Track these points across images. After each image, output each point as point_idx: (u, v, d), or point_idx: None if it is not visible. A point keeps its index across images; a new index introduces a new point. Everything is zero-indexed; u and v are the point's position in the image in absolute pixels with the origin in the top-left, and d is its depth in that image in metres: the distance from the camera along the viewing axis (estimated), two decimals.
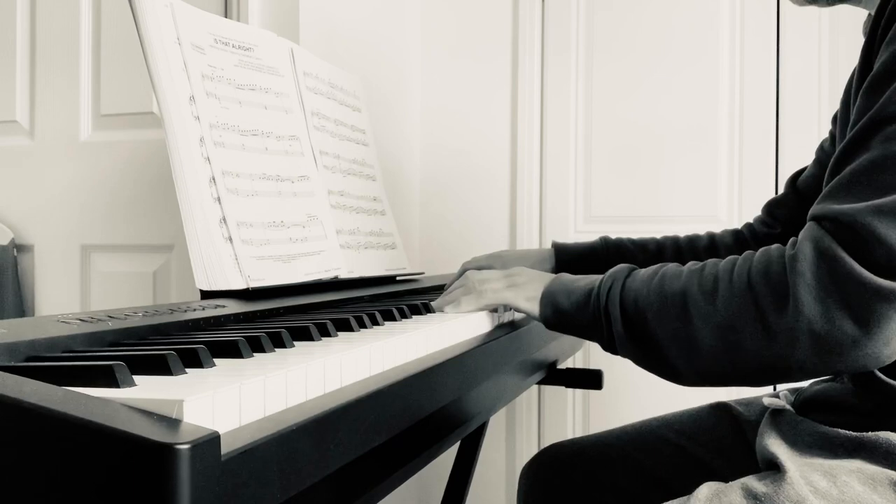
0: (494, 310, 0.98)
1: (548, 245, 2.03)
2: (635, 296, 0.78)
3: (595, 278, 0.84)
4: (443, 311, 0.97)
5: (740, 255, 0.75)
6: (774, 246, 0.72)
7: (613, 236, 1.25)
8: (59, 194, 1.75)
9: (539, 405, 2.06)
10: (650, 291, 0.77)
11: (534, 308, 0.89)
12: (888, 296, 0.64)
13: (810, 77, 1.82)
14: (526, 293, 0.91)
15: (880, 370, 0.76)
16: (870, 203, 0.66)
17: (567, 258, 1.23)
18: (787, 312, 0.67)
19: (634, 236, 1.25)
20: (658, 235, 1.25)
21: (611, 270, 0.83)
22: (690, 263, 0.78)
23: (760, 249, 0.72)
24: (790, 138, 1.83)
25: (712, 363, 0.72)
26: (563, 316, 0.86)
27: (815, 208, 0.70)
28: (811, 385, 0.89)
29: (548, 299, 0.87)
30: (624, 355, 0.81)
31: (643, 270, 0.81)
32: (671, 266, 0.79)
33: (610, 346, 0.82)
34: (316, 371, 0.55)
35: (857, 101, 0.74)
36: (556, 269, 1.23)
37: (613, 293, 0.80)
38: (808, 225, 0.70)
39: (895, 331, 0.66)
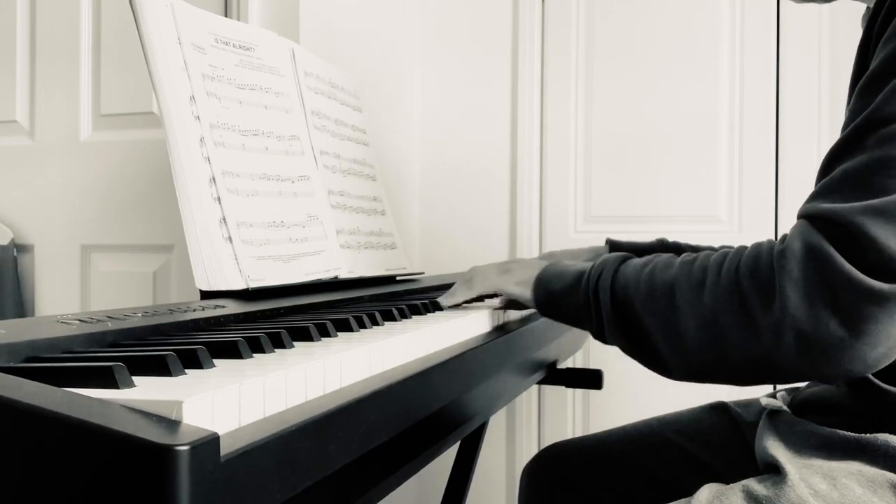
0: (497, 308, 0.99)
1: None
2: (625, 282, 0.77)
3: (588, 264, 0.84)
4: (442, 307, 0.97)
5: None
6: (766, 241, 0.70)
7: (671, 238, 1.23)
8: (59, 194, 1.75)
9: (539, 405, 2.06)
10: (640, 280, 0.76)
11: (524, 292, 0.89)
12: (878, 297, 0.62)
13: (810, 77, 1.82)
14: (516, 278, 0.91)
15: (875, 375, 0.75)
16: (863, 203, 0.64)
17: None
18: (772, 308, 0.65)
19: (692, 241, 1.20)
20: (664, 235, 1.23)
21: (604, 257, 0.82)
22: (684, 255, 0.77)
23: (752, 244, 0.71)
24: (790, 138, 1.83)
25: (698, 355, 0.71)
26: (553, 299, 0.85)
27: (806, 207, 0.69)
28: (808, 386, 0.89)
29: (541, 283, 0.87)
30: (613, 343, 0.79)
31: (636, 259, 0.80)
32: (664, 256, 0.78)
33: (599, 333, 0.81)
34: (315, 371, 0.55)
35: (851, 99, 0.73)
36: None
37: (604, 278, 0.79)
38: (798, 223, 0.68)
39: (883, 335, 0.63)
